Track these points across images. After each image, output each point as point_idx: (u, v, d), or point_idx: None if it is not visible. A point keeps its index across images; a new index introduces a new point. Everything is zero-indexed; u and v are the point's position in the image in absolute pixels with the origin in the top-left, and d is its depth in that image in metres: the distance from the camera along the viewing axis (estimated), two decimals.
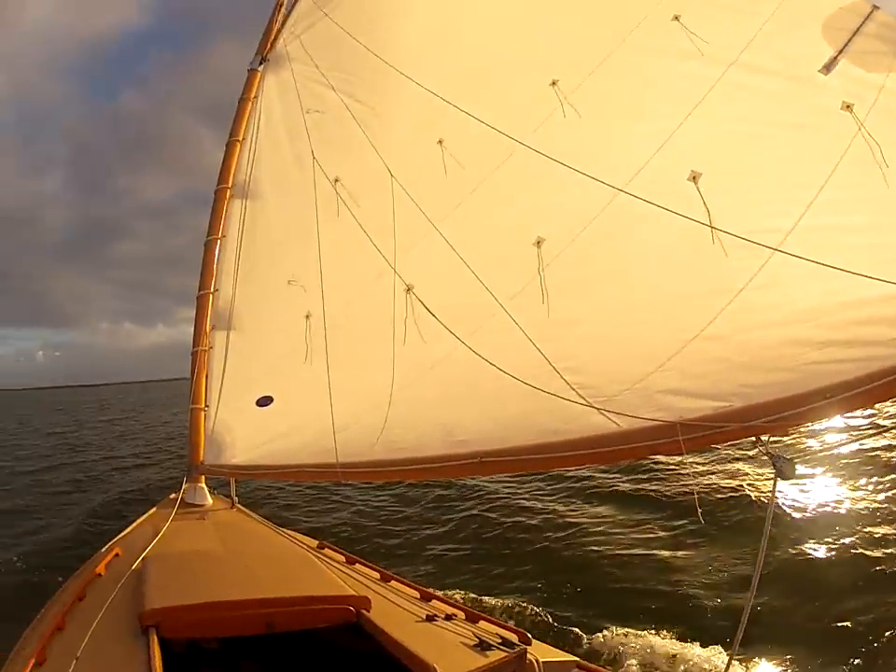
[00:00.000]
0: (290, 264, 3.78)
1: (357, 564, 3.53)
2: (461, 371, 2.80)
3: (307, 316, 3.52)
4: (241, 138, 4.41)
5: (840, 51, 2.27)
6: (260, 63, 4.54)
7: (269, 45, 4.56)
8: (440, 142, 3.26)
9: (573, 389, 2.32)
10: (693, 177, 2.31)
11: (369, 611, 2.85)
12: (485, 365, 2.65)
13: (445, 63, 3.51)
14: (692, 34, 2.63)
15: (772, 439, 1.88)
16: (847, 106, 2.15)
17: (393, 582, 3.34)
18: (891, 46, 2.21)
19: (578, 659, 3.15)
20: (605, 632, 4.95)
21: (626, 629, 4.98)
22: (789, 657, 4.54)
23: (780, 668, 4.50)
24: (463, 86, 3.32)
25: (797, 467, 1.77)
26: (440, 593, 3.70)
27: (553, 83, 2.97)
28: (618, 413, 2.13)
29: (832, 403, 1.72)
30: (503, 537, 7.50)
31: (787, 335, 1.99)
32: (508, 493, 9.20)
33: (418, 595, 3.23)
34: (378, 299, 3.17)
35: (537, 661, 2.73)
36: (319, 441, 3.12)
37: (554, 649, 3.42)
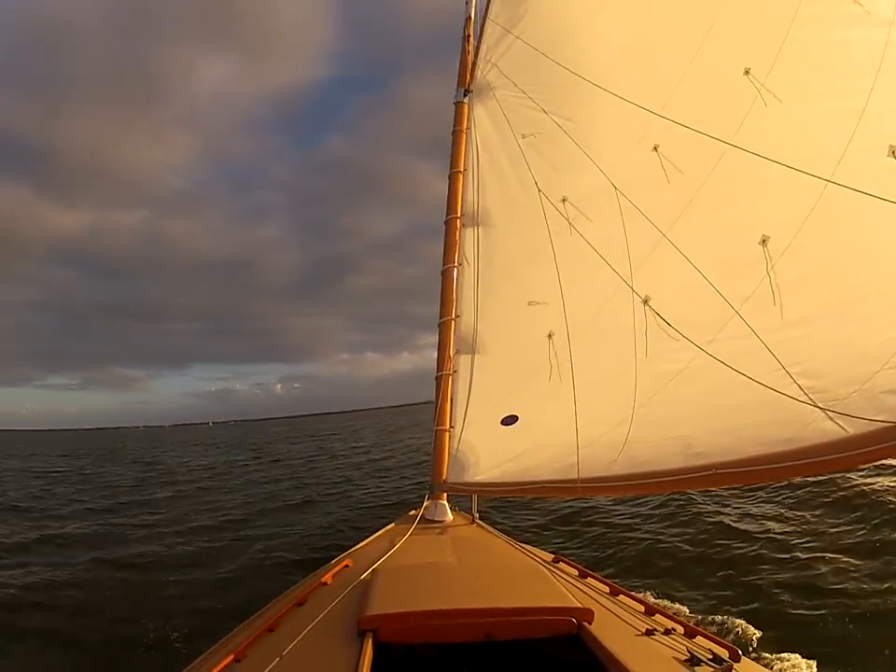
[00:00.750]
0: (529, 286, 3.89)
1: (589, 577, 3.53)
2: (698, 382, 2.72)
3: (549, 335, 3.59)
4: (462, 169, 4.66)
5: None
6: (465, 95, 4.76)
7: (468, 76, 4.77)
8: (655, 148, 3.20)
9: (805, 394, 2.16)
10: (893, 152, 2.13)
11: (590, 624, 2.84)
12: (721, 375, 2.55)
13: (640, 71, 3.47)
14: None
15: None
16: None
17: (621, 596, 3.30)
18: None
19: None
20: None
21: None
22: None
23: None
24: (661, 91, 3.25)
25: None
26: (665, 606, 3.56)
27: (747, 72, 2.83)
28: (845, 415, 1.96)
29: None
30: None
31: None
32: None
33: (643, 609, 3.19)
34: (617, 314, 3.16)
35: None
36: (561, 458, 3.17)
37: (763, 668, 3.13)
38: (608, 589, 3.43)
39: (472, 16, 5.01)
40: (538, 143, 4.05)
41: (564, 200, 3.67)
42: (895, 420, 1.77)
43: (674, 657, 2.73)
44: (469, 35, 4.91)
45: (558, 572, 3.53)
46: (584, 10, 3.85)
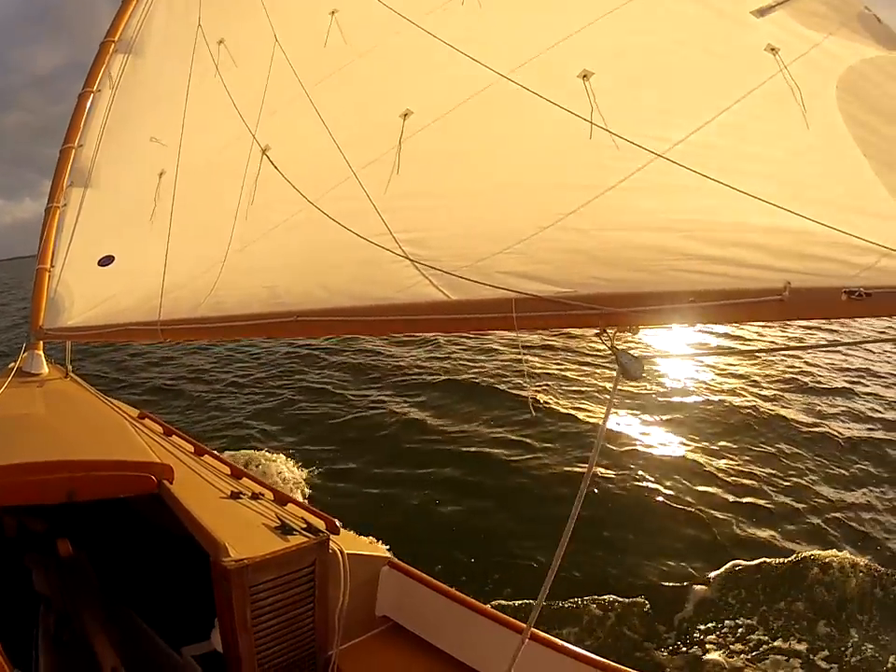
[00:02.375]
0: (157, 123, 3.55)
1: (173, 435, 3.43)
2: (300, 235, 2.67)
3: (161, 174, 3.29)
4: None
5: (780, 3, 2.19)
6: None
7: None
8: (332, 13, 3.08)
9: (409, 259, 2.19)
10: (584, 75, 2.20)
11: (171, 482, 2.74)
12: (326, 231, 2.52)
13: None
14: None
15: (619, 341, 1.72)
16: (772, 49, 2.06)
17: (206, 457, 3.25)
18: (840, 15, 2.13)
19: (391, 556, 3.17)
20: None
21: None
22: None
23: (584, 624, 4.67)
24: None
25: (643, 365, 1.61)
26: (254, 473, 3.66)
27: None
28: (453, 276, 2.02)
29: (693, 308, 1.59)
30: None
31: (654, 241, 1.87)
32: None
33: (229, 472, 3.15)
34: (232, 159, 2.98)
35: (341, 551, 2.68)
36: (148, 301, 2.93)
37: (366, 541, 3.40)
38: (192, 448, 3.35)
39: None
40: None
41: (221, 41, 3.39)
42: (504, 289, 1.83)
43: (263, 524, 2.66)
44: None
45: (143, 429, 3.36)
46: None
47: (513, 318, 1.75)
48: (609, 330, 1.66)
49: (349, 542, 2.84)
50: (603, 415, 1.83)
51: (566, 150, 2.23)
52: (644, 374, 1.62)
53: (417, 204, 2.43)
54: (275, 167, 2.82)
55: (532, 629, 1.98)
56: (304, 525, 2.70)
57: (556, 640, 2.67)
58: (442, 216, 2.36)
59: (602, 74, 2.20)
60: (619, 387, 1.69)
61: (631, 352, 1.63)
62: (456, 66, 2.56)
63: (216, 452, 3.52)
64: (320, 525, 2.78)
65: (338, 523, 2.91)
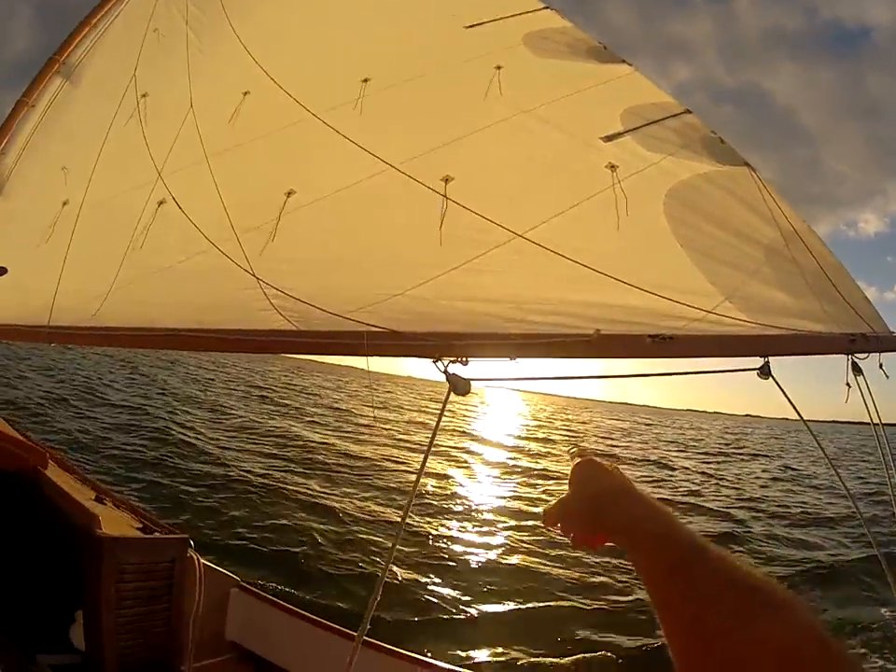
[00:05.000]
0: (72, 153, 3.88)
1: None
2: (181, 281, 3.07)
3: (64, 203, 3.63)
4: (95, 22, 4.49)
5: (628, 130, 2.60)
6: None
7: None
8: (245, 93, 3.53)
9: (274, 306, 2.62)
10: (445, 179, 2.63)
11: (45, 468, 3.00)
12: (203, 280, 2.98)
13: (274, 39, 3.83)
14: (502, 82, 2.95)
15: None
16: (612, 166, 2.48)
17: (68, 472, 3.54)
18: (684, 140, 2.55)
19: (239, 579, 3.51)
20: None
21: None
22: None
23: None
24: (284, 62, 3.62)
25: (471, 384, 1.97)
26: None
27: (365, 80, 3.26)
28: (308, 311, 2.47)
29: (513, 344, 2.07)
30: None
31: (485, 309, 2.33)
32: None
33: (92, 486, 3.47)
34: (131, 203, 3.35)
35: (198, 559, 3.01)
36: (37, 316, 3.24)
37: (215, 566, 3.67)
38: (57, 462, 3.58)
39: None
40: (159, 40, 4.11)
41: (145, 95, 3.79)
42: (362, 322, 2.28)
43: (128, 523, 3.00)
44: None
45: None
46: None
47: (364, 345, 2.19)
48: (443, 359, 2.04)
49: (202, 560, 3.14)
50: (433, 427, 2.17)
51: (422, 238, 2.65)
52: (471, 391, 2.00)
53: (287, 269, 2.83)
54: (172, 219, 3.21)
55: (369, 639, 2.33)
56: (163, 531, 3.05)
57: (395, 648, 3.04)
58: (310, 280, 2.75)
59: (459, 178, 2.64)
60: (449, 401, 2.04)
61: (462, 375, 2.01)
62: (341, 158, 3.01)
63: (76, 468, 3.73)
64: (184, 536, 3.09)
65: (192, 542, 3.17)
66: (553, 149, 2.74)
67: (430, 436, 2.07)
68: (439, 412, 2.05)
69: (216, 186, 3.23)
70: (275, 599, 3.35)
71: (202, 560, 3.00)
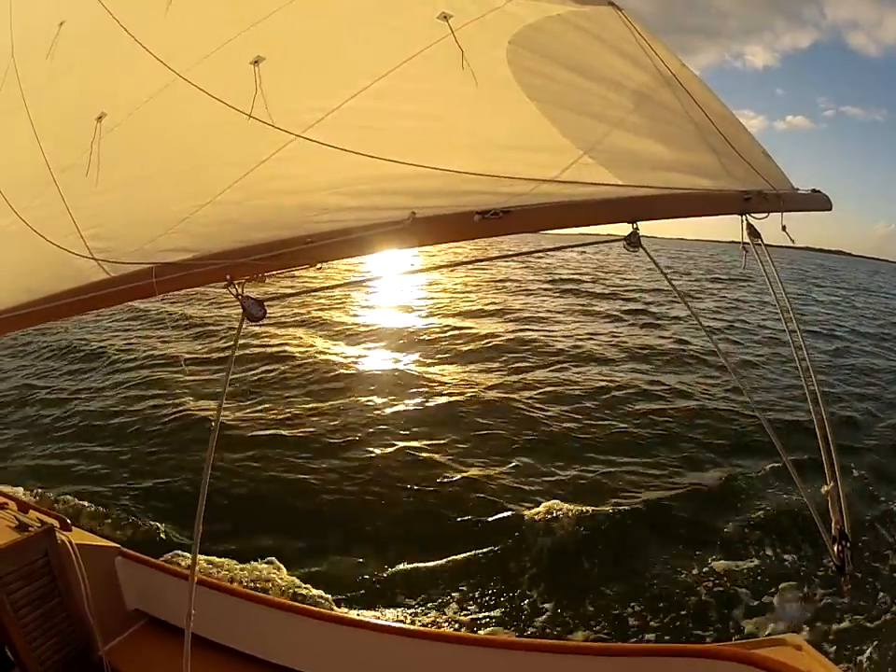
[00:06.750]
0: None
1: None
2: (6, 246, 2.80)
3: None
4: None
5: None
6: None
7: None
8: (61, 24, 3.22)
9: (91, 252, 2.36)
10: (256, 61, 2.34)
11: None
12: (24, 241, 2.67)
13: None
14: None
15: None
16: (445, 17, 2.19)
17: None
18: None
19: (120, 546, 3.48)
20: None
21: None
22: None
23: None
24: None
25: (267, 309, 1.80)
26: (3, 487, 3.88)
27: None
28: (114, 263, 2.21)
29: (317, 247, 1.82)
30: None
31: (301, 201, 2.06)
32: None
33: None
34: None
35: (70, 542, 3.00)
36: None
37: (98, 537, 3.60)
38: None
39: None
40: None
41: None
42: (149, 263, 2.03)
43: (7, 525, 2.98)
44: None
45: None
46: None
47: (153, 283, 1.97)
48: (236, 282, 1.84)
49: (81, 537, 3.15)
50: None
51: (227, 135, 2.38)
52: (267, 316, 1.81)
53: (103, 200, 2.57)
54: None
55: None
56: (40, 524, 3.00)
57: (228, 585, 3.16)
58: (123, 207, 2.51)
59: (273, 58, 2.34)
60: (244, 328, 1.89)
61: (257, 297, 1.83)
62: (145, 66, 2.67)
63: None
64: (55, 523, 3.08)
65: (68, 521, 3.21)
66: (374, 7, 2.42)
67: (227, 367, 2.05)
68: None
69: (33, 129, 2.96)
70: (160, 562, 3.36)
71: (74, 542, 2.98)
